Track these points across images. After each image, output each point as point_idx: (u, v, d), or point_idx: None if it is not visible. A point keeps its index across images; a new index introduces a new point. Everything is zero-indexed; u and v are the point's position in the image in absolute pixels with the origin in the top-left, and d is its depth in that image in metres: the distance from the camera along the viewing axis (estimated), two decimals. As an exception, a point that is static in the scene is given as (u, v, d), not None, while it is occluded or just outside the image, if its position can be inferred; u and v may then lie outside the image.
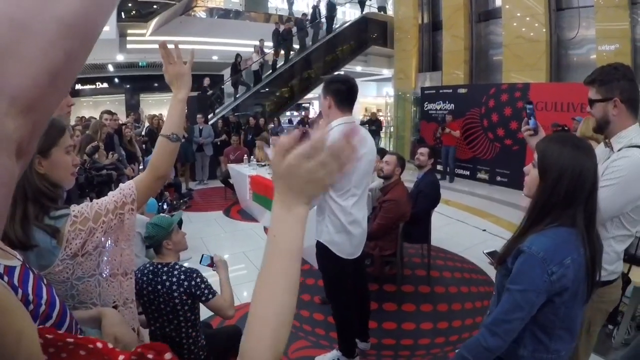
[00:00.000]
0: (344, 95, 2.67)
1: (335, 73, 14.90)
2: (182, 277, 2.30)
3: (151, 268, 2.38)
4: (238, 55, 13.36)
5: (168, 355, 0.53)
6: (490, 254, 2.21)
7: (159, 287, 2.30)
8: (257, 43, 13.70)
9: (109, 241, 1.45)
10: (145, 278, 2.35)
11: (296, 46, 14.62)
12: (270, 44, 14.12)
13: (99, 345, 0.55)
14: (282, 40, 14.20)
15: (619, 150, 1.98)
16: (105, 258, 1.45)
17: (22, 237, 1.26)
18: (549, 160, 1.48)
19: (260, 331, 0.69)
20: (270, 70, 14.04)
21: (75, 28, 0.38)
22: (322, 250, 2.86)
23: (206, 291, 2.33)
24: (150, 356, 0.52)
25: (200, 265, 2.59)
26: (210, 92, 12.54)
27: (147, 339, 2.41)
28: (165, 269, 2.34)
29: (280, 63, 14.16)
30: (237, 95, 13.60)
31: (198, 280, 2.33)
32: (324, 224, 2.80)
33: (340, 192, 2.70)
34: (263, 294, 0.72)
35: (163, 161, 1.58)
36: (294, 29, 14.55)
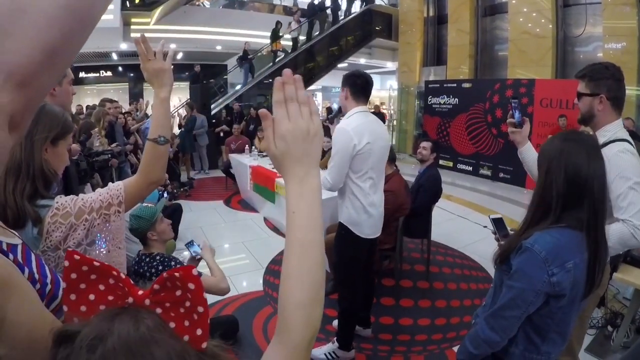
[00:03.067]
0: (359, 87, 2.93)
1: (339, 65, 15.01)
2: (160, 267, 2.32)
3: (137, 259, 2.40)
4: (278, 22, 13.88)
5: (195, 271, 0.54)
6: (495, 221, 2.12)
7: (145, 276, 2.32)
8: (259, 33, 13.96)
9: (97, 240, 1.42)
10: (133, 269, 2.36)
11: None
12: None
13: (122, 275, 0.55)
14: (318, 10, 14.61)
15: (604, 144, 2.07)
16: (92, 255, 1.41)
17: (22, 210, 1.27)
18: (541, 155, 1.50)
19: (295, 313, 0.70)
20: (305, 38, 14.52)
21: (73, 11, 0.40)
22: (341, 230, 3.01)
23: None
24: (177, 274, 0.54)
25: (188, 249, 2.61)
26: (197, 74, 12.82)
27: None
28: (148, 259, 2.36)
29: (298, 43, 14.48)
30: (276, 60, 14.07)
31: (173, 264, 2.33)
32: (344, 205, 2.96)
33: (359, 174, 2.86)
34: (291, 275, 0.72)
35: (153, 166, 1.49)
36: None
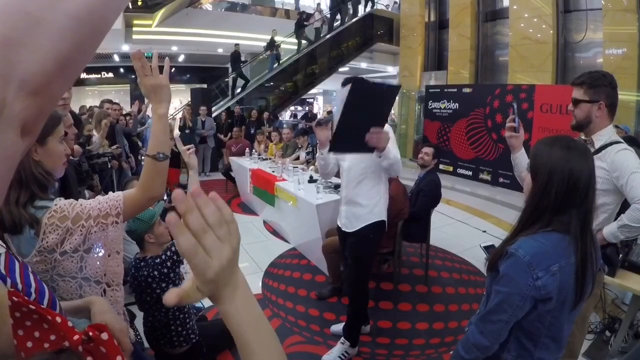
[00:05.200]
0: None
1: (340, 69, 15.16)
2: (152, 269, 2.33)
3: (134, 263, 2.41)
4: (303, 12, 14.92)
5: (105, 335, 0.54)
6: (487, 248, 2.19)
7: (141, 280, 2.34)
8: (261, 36, 14.34)
9: (94, 247, 1.43)
10: (131, 272, 2.38)
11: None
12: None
13: (58, 319, 0.56)
14: (341, 1, 15.30)
15: (603, 147, 2.25)
16: (89, 264, 1.43)
17: (18, 218, 1.26)
18: (539, 161, 1.48)
19: None
20: (327, 30, 15.14)
21: (84, 23, 0.42)
22: (373, 230, 3.06)
23: (175, 257, 2.35)
24: (90, 333, 0.54)
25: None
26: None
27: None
28: (143, 263, 2.37)
29: (320, 33, 15.14)
30: (299, 49, 14.80)
31: (158, 261, 2.34)
32: (380, 204, 3.06)
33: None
34: None
35: (153, 181, 1.49)
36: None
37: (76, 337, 0.54)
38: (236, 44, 13.47)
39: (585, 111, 2.26)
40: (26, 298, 0.56)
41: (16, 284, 1.01)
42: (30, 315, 0.56)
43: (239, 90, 13.93)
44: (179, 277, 2.48)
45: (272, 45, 14.09)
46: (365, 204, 3.02)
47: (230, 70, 13.94)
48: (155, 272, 2.32)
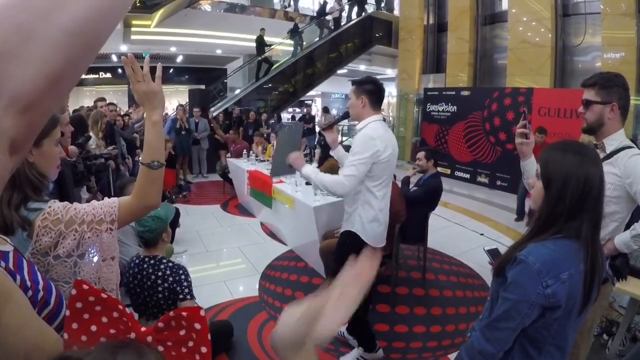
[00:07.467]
0: (376, 95, 2.88)
1: (339, 71, 15.22)
2: (168, 272, 2.30)
3: (137, 261, 2.37)
4: (325, 2, 15.55)
5: (202, 312, 0.55)
6: (490, 252, 2.15)
7: (145, 280, 2.30)
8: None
9: (88, 253, 1.40)
10: (131, 271, 2.34)
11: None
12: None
13: (127, 311, 0.57)
14: None
15: (614, 152, 2.16)
16: (83, 269, 1.41)
17: (9, 220, 1.25)
18: (552, 169, 1.44)
19: None
20: (345, 20, 15.66)
21: (78, 37, 0.40)
22: (350, 238, 2.95)
23: (186, 290, 2.32)
24: (184, 314, 0.54)
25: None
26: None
27: None
28: (152, 261, 2.33)
29: (340, 22, 15.60)
30: (321, 35, 15.31)
31: (183, 276, 2.32)
32: (356, 214, 2.91)
33: (377, 182, 2.84)
34: None
35: (148, 190, 1.45)
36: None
37: (143, 328, 0.56)
38: (262, 29, 13.71)
39: (597, 113, 2.17)
40: (95, 287, 0.57)
41: (25, 280, 1.00)
42: (92, 307, 0.57)
43: (262, 75, 14.15)
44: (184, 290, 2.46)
45: (295, 31, 14.42)
46: (346, 210, 2.98)
47: (256, 53, 14.27)
48: (170, 278, 2.29)
